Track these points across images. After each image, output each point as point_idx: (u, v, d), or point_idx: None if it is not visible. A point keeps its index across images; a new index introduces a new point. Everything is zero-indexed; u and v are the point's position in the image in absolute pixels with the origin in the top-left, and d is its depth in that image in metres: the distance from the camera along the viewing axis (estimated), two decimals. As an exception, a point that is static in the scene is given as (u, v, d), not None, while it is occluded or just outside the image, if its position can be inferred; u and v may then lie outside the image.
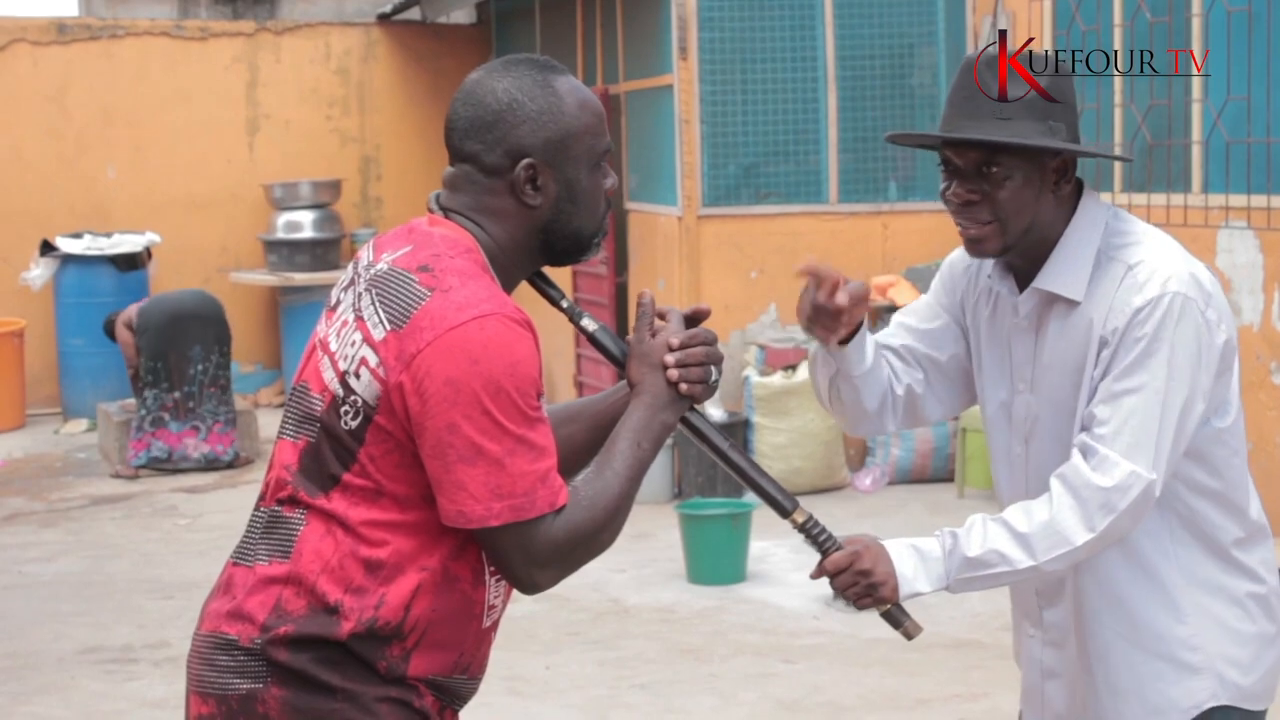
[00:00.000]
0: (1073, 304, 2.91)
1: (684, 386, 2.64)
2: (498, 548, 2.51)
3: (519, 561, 2.51)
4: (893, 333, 3.24)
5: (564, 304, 2.76)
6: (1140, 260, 2.87)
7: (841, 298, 2.96)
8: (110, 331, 11.14)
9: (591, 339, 2.75)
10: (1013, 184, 2.87)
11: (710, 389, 2.68)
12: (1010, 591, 3.18)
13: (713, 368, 2.67)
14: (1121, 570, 2.95)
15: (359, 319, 2.56)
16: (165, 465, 10.81)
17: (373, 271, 2.59)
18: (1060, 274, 2.92)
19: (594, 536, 2.54)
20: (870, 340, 3.14)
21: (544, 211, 2.63)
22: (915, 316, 3.23)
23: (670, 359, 2.64)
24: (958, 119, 2.90)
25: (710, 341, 2.68)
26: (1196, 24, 7.91)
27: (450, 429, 2.46)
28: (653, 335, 2.67)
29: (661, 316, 2.70)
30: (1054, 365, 2.94)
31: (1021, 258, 2.99)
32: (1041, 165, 2.89)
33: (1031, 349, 2.99)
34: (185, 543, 9.10)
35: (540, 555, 2.50)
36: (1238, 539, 2.96)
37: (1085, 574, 2.95)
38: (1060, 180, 2.92)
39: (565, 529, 2.51)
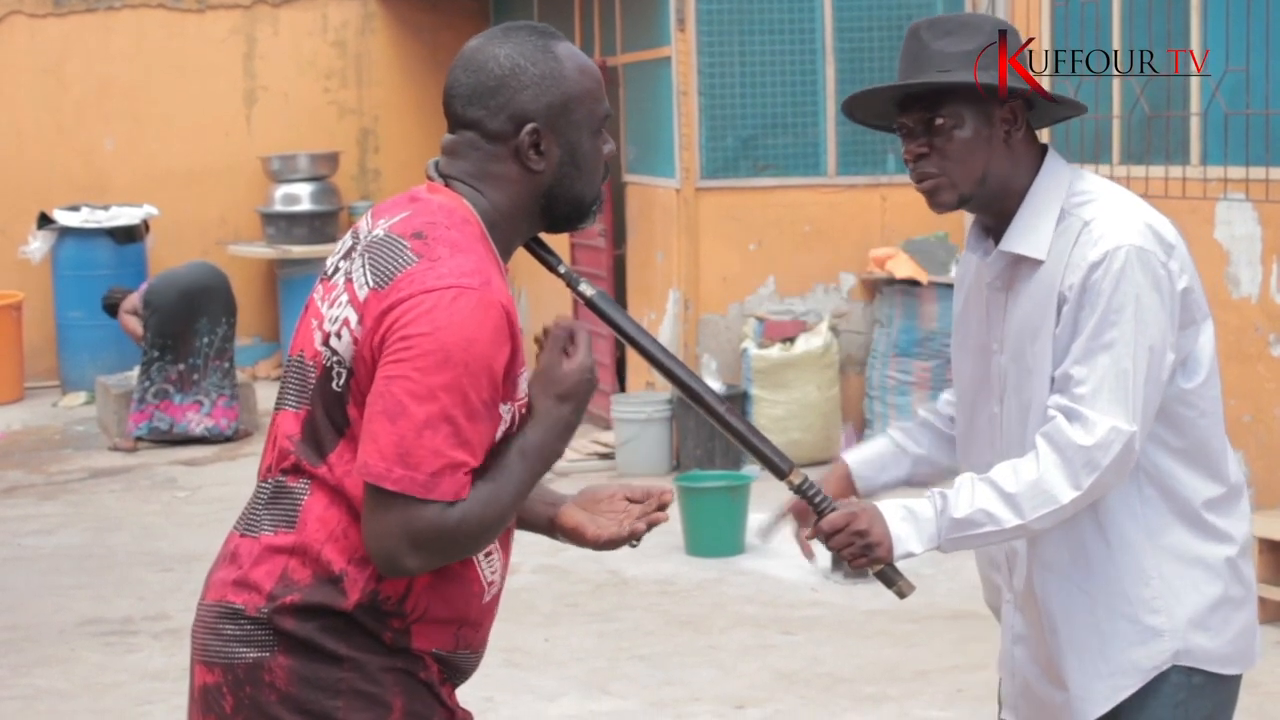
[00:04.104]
0: (1037, 263, 2.95)
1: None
2: (382, 513, 2.46)
3: (396, 534, 2.46)
4: None
5: (561, 269, 2.76)
6: (1095, 216, 2.92)
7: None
8: (110, 309, 11.15)
9: (589, 304, 2.75)
10: (960, 133, 2.93)
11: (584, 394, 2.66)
12: (977, 556, 3.23)
13: None
14: (1089, 529, 2.97)
15: (348, 281, 2.57)
16: (165, 437, 10.81)
17: (369, 238, 2.60)
18: (1023, 235, 2.97)
19: (477, 536, 2.52)
20: (889, 453, 3.32)
21: (547, 176, 2.63)
22: None
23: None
24: (902, 80, 2.98)
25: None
26: (1195, -5, 7.89)
27: (386, 380, 2.45)
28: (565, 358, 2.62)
29: (570, 340, 2.64)
30: (1021, 325, 2.99)
31: (988, 214, 3.03)
32: (989, 113, 2.94)
33: (1003, 309, 3.04)
34: (185, 515, 9.11)
35: (421, 538, 2.46)
36: (1208, 500, 2.98)
37: (1054, 530, 2.96)
38: (1011, 129, 2.96)
39: (456, 519, 2.47)
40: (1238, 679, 3.04)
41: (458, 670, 2.68)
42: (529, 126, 2.60)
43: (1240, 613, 3.02)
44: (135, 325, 10.96)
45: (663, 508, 2.77)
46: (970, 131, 2.93)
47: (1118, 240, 2.86)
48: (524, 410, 2.60)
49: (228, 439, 10.93)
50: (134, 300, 11.01)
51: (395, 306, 2.47)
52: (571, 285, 2.75)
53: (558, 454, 2.62)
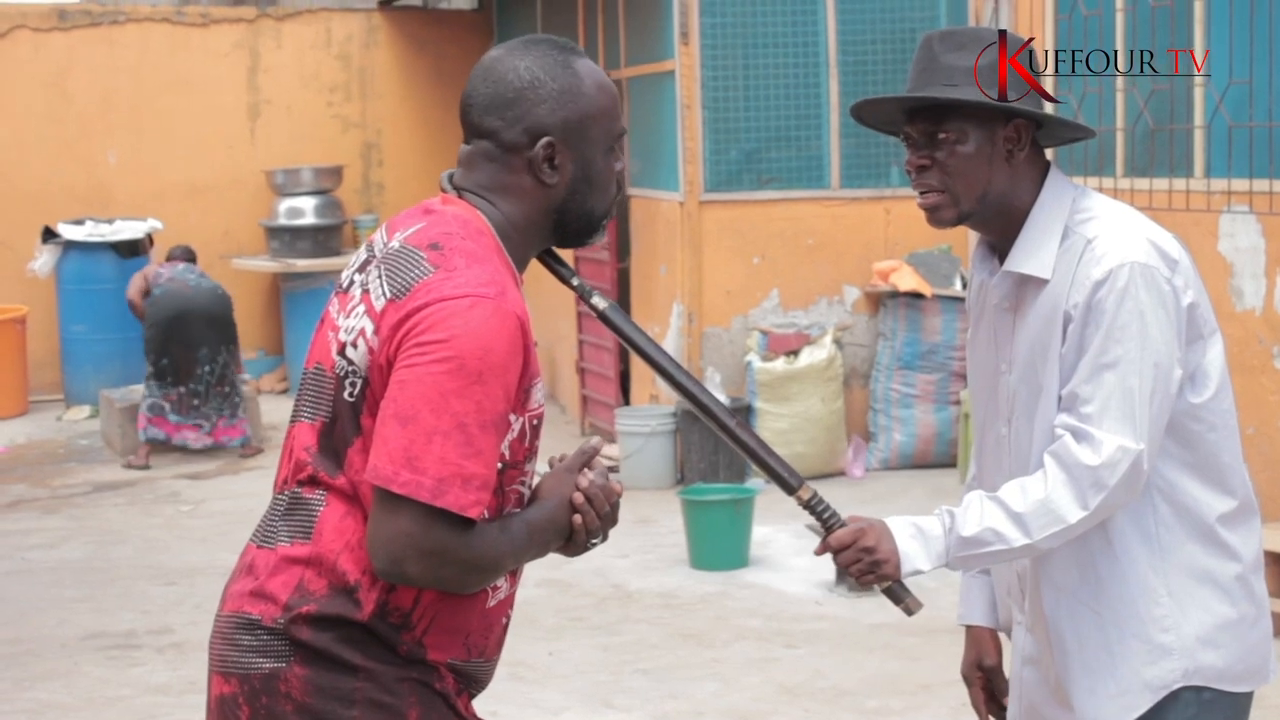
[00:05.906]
0: (1043, 283, 2.95)
1: (577, 519, 2.62)
2: (389, 517, 2.45)
3: (402, 538, 2.45)
4: None
5: (574, 281, 2.78)
6: (1098, 234, 2.91)
7: None
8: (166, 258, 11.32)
9: (602, 317, 2.76)
10: (963, 148, 2.93)
11: (587, 548, 2.67)
12: (995, 580, 3.21)
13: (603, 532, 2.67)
14: (1098, 547, 2.96)
15: (365, 293, 2.58)
16: (164, 447, 10.81)
17: (385, 250, 2.61)
18: (1028, 255, 2.96)
19: (477, 566, 2.52)
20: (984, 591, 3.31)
21: (560, 191, 2.64)
22: None
23: (579, 498, 2.62)
24: (909, 91, 2.98)
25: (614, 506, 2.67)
26: (1199, 7, 7.89)
27: (400, 385, 2.46)
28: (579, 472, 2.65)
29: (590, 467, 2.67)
30: (1030, 345, 2.98)
31: (990, 233, 3.04)
32: (992, 131, 2.94)
33: (1011, 330, 3.03)
34: (188, 529, 9.11)
35: (429, 547, 2.45)
36: (1223, 515, 2.97)
37: (1063, 549, 2.96)
38: (1014, 149, 2.95)
39: (466, 539, 2.47)
40: (1249, 695, 3.02)
41: (473, 680, 2.68)
42: (544, 140, 2.61)
43: (1253, 630, 2.99)
44: (140, 303, 10.89)
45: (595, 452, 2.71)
46: (973, 147, 2.93)
47: (1121, 257, 2.85)
48: (535, 422, 2.60)
49: (239, 452, 10.92)
50: (149, 277, 10.96)
51: (412, 315, 2.48)
52: (584, 298, 2.76)
53: (547, 547, 2.62)
